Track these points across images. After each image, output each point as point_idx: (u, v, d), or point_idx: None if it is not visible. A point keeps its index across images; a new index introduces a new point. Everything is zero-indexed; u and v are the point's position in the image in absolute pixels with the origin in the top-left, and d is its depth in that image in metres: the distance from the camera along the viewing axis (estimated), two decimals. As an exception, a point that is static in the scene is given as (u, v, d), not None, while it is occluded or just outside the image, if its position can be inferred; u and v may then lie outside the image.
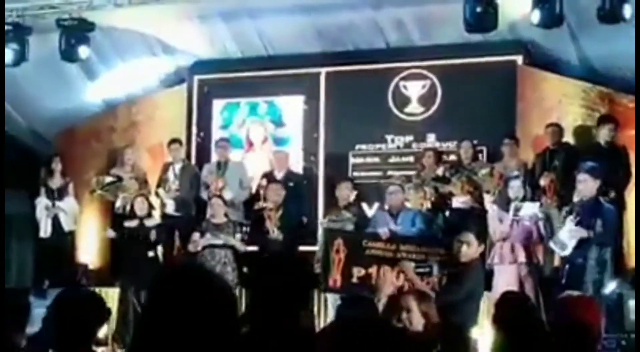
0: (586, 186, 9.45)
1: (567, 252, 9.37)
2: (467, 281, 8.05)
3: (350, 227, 11.33)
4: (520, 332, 4.88)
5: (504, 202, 10.48)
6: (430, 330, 5.63)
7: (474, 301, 8.20)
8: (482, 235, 7.83)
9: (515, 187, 10.37)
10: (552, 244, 9.72)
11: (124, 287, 11.54)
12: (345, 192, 11.64)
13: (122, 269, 11.83)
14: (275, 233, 11.43)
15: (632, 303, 8.92)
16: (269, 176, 12.56)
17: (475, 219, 10.99)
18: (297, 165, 13.21)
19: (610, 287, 9.03)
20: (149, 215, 12.01)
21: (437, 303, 6.02)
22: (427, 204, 11.63)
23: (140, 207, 11.90)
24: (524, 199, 10.32)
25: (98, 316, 4.29)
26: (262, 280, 3.36)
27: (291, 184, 12.25)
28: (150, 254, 11.62)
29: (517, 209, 10.17)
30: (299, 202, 12.26)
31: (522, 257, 9.96)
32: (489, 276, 9.68)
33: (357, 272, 10.59)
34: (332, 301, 10.57)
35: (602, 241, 9.25)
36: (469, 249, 7.69)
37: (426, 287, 7.21)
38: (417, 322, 5.71)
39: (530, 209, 10.18)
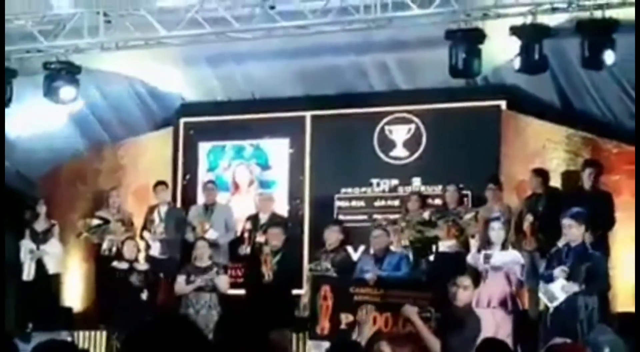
0: (571, 231, 9.48)
1: (556, 303, 9.40)
2: (466, 325, 7.99)
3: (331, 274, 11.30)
4: None
5: (485, 245, 10.49)
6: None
7: (472, 346, 8.13)
8: (477, 279, 7.80)
9: (496, 229, 10.35)
10: (541, 295, 9.72)
11: (109, 330, 11.47)
12: (334, 235, 11.62)
13: (108, 312, 11.75)
14: (270, 278, 11.39)
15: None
16: (253, 219, 12.57)
17: (462, 263, 11.00)
18: (282, 208, 13.21)
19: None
20: (138, 259, 11.98)
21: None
22: (410, 249, 11.65)
23: (129, 251, 11.87)
24: (504, 242, 10.31)
25: None
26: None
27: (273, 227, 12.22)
28: (138, 298, 11.55)
29: (486, 257, 10.18)
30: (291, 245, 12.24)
31: (495, 302, 9.96)
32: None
33: (345, 318, 10.54)
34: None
35: (590, 289, 9.28)
36: (465, 292, 7.64)
37: (429, 333, 7.16)
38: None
39: (503, 256, 10.15)
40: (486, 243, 10.43)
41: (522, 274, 10.17)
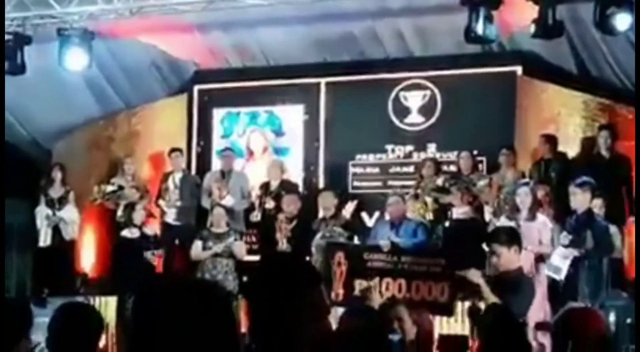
0: (577, 199, 9.47)
1: (563, 275, 9.39)
2: (521, 290, 7.68)
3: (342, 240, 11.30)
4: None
5: (512, 210, 10.41)
6: (423, 338, 5.65)
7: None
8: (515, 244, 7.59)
9: (522, 195, 10.28)
10: (546, 270, 9.72)
11: (123, 296, 11.52)
12: (328, 202, 11.59)
13: (121, 277, 11.78)
14: (284, 245, 11.41)
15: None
16: (264, 186, 12.58)
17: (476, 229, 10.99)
18: (297, 175, 13.22)
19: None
20: (147, 224, 12.02)
21: None
22: (429, 215, 11.64)
23: (139, 217, 11.90)
24: (531, 208, 10.19)
25: (96, 329, 4.38)
26: (257, 286, 3.16)
27: (284, 193, 12.24)
28: (149, 262, 11.60)
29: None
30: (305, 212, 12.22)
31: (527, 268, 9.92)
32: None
33: (359, 284, 10.59)
34: (334, 314, 10.55)
35: (595, 255, 9.28)
36: (500, 259, 7.45)
37: (495, 297, 7.03)
38: (409, 330, 5.73)
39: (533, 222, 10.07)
40: (513, 210, 10.35)
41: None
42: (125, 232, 11.90)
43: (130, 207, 12.20)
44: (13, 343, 4.32)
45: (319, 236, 11.41)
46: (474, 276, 7.04)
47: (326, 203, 11.59)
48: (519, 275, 7.47)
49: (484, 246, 9.95)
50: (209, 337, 2.19)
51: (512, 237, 7.47)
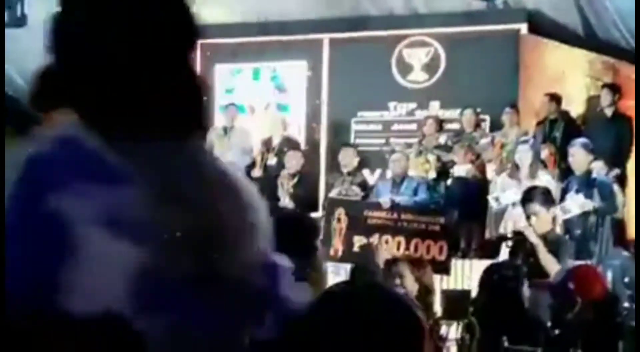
0: (577, 160, 9.43)
1: (569, 216, 9.30)
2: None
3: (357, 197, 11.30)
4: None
5: (512, 168, 10.39)
6: (424, 295, 5.66)
7: None
8: (551, 204, 7.48)
9: (522, 152, 10.22)
10: (557, 210, 9.66)
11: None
12: (349, 159, 11.59)
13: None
14: (286, 201, 11.40)
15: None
16: (267, 143, 12.55)
17: (477, 187, 10.98)
18: (299, 131, 13.18)
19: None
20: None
21: None
22: (432, 173, 11.63)
23: None
24: (531, 166, 10.14)
25: None
26: None
27: (286, 150, 12.22)
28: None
29: (496, 199, 10.12)
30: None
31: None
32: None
33: (358, 241, 10.62)
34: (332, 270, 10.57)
35: (602, 213, 9.25)
36: (538, 221, 7.32)
37: (547, 253, 6.89)
38: (411, 287, 5.75)
39: (512, 196, 10.02)
40: (514, 167, 10.31)
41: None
42: None
43: None
44: None
45: (335, 191, 11.41)
46: (531, 235, 6.96)
47: (346, 159, 11.57)
48: (558, 236, 7.44)
49: (492, 202, 9.98)
50: None
51: (549, 198, 7.41)
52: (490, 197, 10.43)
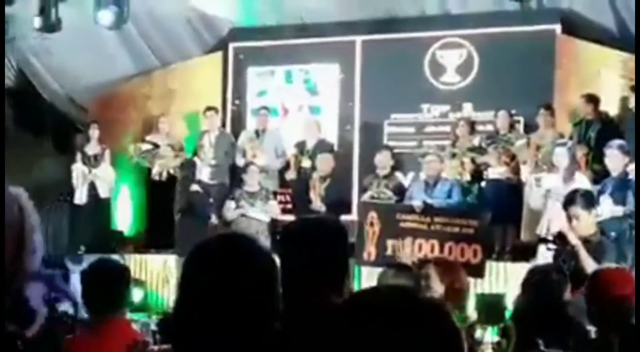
0: (613, 161, 9.32)
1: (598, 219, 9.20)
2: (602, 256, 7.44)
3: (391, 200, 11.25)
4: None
5: (549, 170, 10.30)
6: (451, 296, 5.60)
7: None
8: (593, 207, 7.37)
9: (560, 154, 10.11)
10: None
11: (180, 254, 11.55)
12: (385, 161, 11.54)
13: (181, 234, 11.70)
14: (318, 204, 11.38)
15: None
16: (300, 145, 12.55)
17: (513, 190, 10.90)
18: (332, 134, 13.17)
19: None
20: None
21: None
22: (466, 175, 11.56)
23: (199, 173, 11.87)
24: (568, 168, 10.03)
25: (124, 284, 4.58)
26: (295, 248, 3.09)
27: (320, 152, 12.20)
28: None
29: (537, 180, 10.03)
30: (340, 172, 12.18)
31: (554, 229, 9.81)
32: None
33: (391, 244, 10.58)
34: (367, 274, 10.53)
35: (633, 218, 9.15)
36: (580, 223, 7.23)
37: (587, 255, 6.81)
38: (436, 288, 5.70)
39: (553, 179, 9.95)
40: (551, 170, 10.22)
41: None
42: (195, 187, 11.88)
43: (191, 164, 12.20)
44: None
45: (367, 194, 11.37)
46: (572, 237, 6.89)
47: (382, 162, 11.54)
48: (600, 239, 7.31)
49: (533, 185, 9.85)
50: (255, 289, 2.18)
51: (590, 201, 7.31)
52: (532, 177, 10.32)
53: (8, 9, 11.64)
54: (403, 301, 1.70)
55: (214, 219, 11.56)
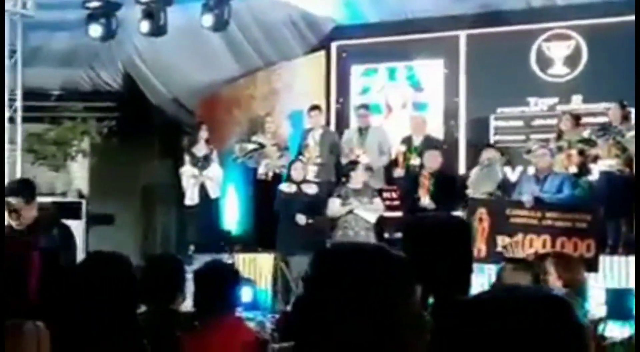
0: None
1: None
2: None
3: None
4: None
5: None
6: (571, 291, 5.47)
7: None
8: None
9: None
10: None
11: (281, 252, 11.61)
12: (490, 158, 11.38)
13: (280, 234, 11.76)
14: (426, 201, 11.31)
15: None
16: (407, 142, 12.47)
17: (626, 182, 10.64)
18: (437, 130, 13.07)
19: None
20: (306, 181, 11.99)
21: None
22: (573, 168, 11.34)
23: (297, 173, 11.86)
24: None
25: (237, 285, 4.72)
26: (424, 245, 3.12)
27: (427, 149, 12.10)
28: (310, 220, 11.56)
29: None
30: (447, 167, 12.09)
31: None
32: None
33: (501, 240, 10.45)
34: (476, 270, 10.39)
35: None
36: None
37: None
38: (554, 284, 5.58)
39: None
40: None
41: None
42: (284, 186, 11.90)
43: (291, 162, 12.24)
44: (171, 297, 4.51)
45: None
46: None
47: (488, 157, 11.41)
48: None
49: None
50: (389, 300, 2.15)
51: None
52: None
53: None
54: (531, 296, 1.75)
55: (300, 220, 11.50)
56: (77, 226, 12.23)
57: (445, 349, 1.79)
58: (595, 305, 5.64)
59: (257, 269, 12.00)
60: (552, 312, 1.69)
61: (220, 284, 4.54)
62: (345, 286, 2.12)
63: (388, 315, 2.03)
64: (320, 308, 2.16)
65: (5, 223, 6.65)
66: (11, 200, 6.76)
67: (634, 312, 5.14)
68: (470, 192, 11.18)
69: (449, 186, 11.59)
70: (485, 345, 1.68)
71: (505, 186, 11.28)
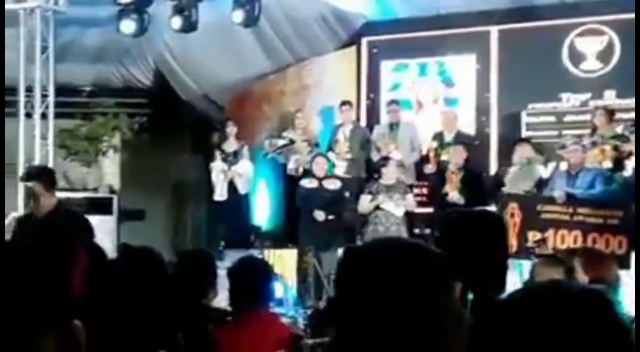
0: None
1: None
2: None
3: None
4: None
5: None
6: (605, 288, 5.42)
7: None
8: None
9: None
10: None
11: (301, 248, 11.60)
12: (524, 154, 11.30)
13: (300, 229, 11.77)
14: (455, 196, 11.27)
15: None
16: (438, 137, 12.43)
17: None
18: (469, 125, 13.01)
19: None
20: (328, 176, 11.96)
21: None
22: (607, 163, 11.25)
23: (319, 168, 11.82)
24: None
25: (268, 279, 4.75)
26: (459, 239, 3.10)
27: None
28: (330, 216, 11.54)
29: None
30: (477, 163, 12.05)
31: None
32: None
33: (532, 236, 10.41)
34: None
35: None
36: None
37: None
38: (582, 280, 5.54)
39: None
40: None
41: None
42: (305, 182, 11.87)
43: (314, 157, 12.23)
44: (203, 292, 4.53)
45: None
46: None
47: (521, 155, 11.35)
48: None
49: None
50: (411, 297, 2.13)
51: None
52: None
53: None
54: (569, 293, 1.73)
55: (319, 216, 11.46)
56: (108, 221, 12.34)
57: (485, 350, 1.77)
58: (630, 302, 5.59)
59: (287, 264, 12.01)
60: (594, 309, 1.67)
61: (254, 279, 4.57)
62: (383, 283, 2.10)
63: (428, 313, 2.00)
64: (356, 306, 2.14)
65: (25, 210, 6.60)
66: (31, 185, 6.61)
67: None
68: (506, 189, 11.12)
69: (476, 181, 11.55)
70: (526, 345, 1.66)
71: (539, 183, 11.22)
